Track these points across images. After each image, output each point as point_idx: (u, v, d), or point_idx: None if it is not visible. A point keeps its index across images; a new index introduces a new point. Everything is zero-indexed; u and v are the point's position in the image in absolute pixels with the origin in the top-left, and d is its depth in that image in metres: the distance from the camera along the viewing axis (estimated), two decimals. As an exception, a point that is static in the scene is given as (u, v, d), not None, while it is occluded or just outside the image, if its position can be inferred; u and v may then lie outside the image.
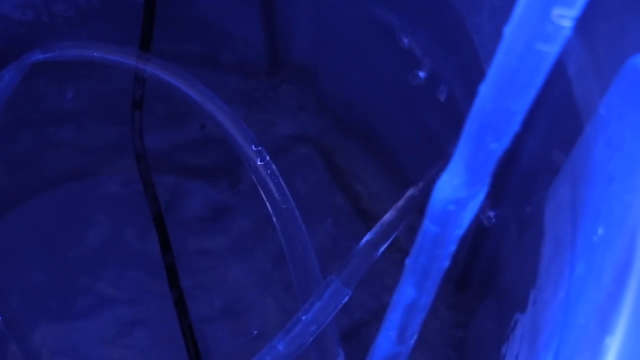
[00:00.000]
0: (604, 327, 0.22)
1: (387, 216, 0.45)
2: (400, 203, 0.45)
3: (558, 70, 0.34)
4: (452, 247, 0.31)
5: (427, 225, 0.31)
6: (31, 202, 0.65)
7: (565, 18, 0.22)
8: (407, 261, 0.33)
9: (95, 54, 0.55)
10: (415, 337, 0.37)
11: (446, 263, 0.32)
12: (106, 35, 0.59)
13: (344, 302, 0.46)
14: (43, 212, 0.65)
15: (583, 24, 0.31)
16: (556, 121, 0.36)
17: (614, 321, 0.21)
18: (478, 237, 0.51)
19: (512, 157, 0.42)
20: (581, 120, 0.32)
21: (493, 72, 0.25)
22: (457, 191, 0.28)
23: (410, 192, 0.46)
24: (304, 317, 0.45)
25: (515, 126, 0.26)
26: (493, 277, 0.50)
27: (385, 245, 0.45)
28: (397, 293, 0.34)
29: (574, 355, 0.25)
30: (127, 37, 0.59)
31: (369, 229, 0.63)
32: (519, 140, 0.41)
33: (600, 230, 0.25)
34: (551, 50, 0.24)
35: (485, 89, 0.25)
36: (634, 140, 0.24)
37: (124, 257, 0.64)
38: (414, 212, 0.45)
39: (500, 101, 0.25)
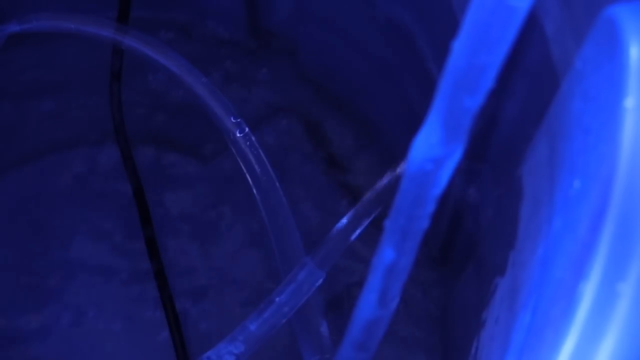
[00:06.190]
0: (578, 275, 0.22)
1: (365, 198, 0.45)
2: (379, 185, 0.45)
3: (536, 31, 0.34)
4: (431, 207, 0.31)
5: (405, 185, 0.31)
6: (10, 175, 0.65)
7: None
8: (386, 223, 0.33)
9: (72, 25, 0.55)
10: (396, 300, 0.37)
11: (425, 223, 0.32)
12: (85, 6, 0.58)
13: (317, 284, 0.46)
14: (22, 186, 0.65)
15: (559, -21, 0.31)
16: (534, 84, 0.36)
17: (588, 268, 0.21)
18: (458, 205, 0.51)
19: (490, 124, 0.42)
20: (559, 81, 0.32)
21: (465, 28, 0.25)
22: (434, 149, 0.28)
23: (389, 175, 0.46)
24: (277, 299, 0.46)
25: (488, 81, 0.26)
26: (474, 245, 0.50)
27: (361, 229, 0.46)
28: (376, 255, 0.34)
29: (550, 308, 0.25)
30: (105, 8, 0.58)
31: (350, 201, 0.64)
32: (496, 105, 0.41)
33: (576, 183, 0.25)
34: (522, 5, 0.24)
35: (458, 45, 0.25)
36: (608, 90, 0.24)
37: (103, 229, 0.64)
38: (392, 195, 0.46)
39: (473, 57, 0.25)
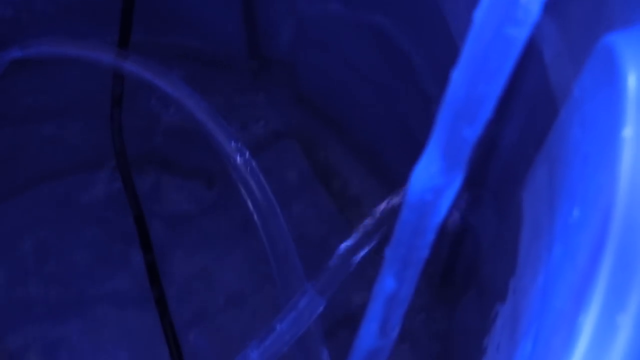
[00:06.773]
0: (578, 307, 0.22)
1: (365, 223, 0.45)
2: (379, 211, 0.45)
3: (534, 58, 0.34)
4: (431, 237, 0.31)
5: (405, 215, 0.30)
6: (11, 200, 0.65)
7: (534, 1, 0.22)
8: (386, 252, 0.33)
9: (73, 51, 0.55)
10: (397, 330, 0.36)
11: (425, 252, 0.32)
12: (86, 31, 0.59)
13: (318, 312, 0.46)
14: (23, 211, 0.65)
15: (557, 7, 0.31)
16: (533, 110, 0.36)
17: (587, 300, 0.21)
18: (459, 231, 0.50)
19: (490, 149, 0.42)
20: (557, 108, 0.32)
21: (464, 58, 0.25)
22: (434, 179, 0.28)
23: (389, 200, 0.45)
24: (278, 327, 0.46)
25: (487, 111, 0.26)
26: (475, 270, 0.50)
27: (362, 254, 0.45)
28: (377, 284, 0.34)
29: (550, 339, 0.25)
30: (107, 32, 0.58)
31: (351, 224, 0.64)
32: (496, 131, 0.41)
33: (575, 212, 0.25)
34: (520, 35, 0.24)
35: (456, 75, 0.25)
36: (606, 119, 0.24)
37: (105, 257, 0.64)
38: (393, 220, 0.45)
39: (472, 87, 0.25)
